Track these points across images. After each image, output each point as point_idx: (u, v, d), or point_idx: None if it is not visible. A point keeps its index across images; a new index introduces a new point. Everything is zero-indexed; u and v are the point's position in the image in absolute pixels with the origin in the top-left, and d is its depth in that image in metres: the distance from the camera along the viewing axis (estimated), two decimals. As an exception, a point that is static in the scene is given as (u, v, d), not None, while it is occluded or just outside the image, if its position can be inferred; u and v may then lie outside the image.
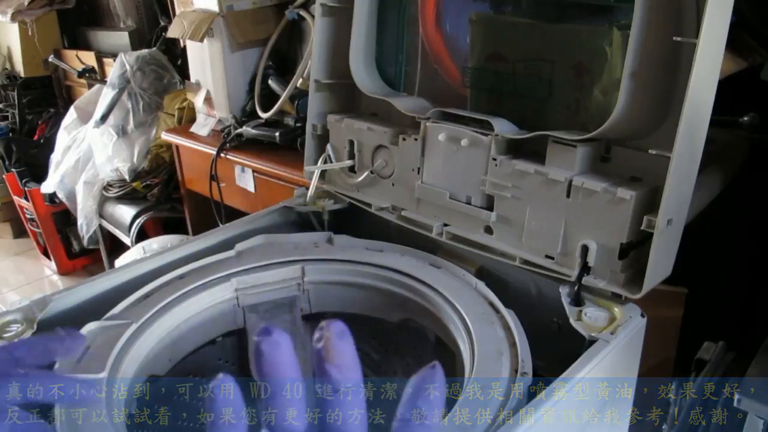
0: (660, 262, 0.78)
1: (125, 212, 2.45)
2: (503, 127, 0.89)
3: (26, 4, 2.89)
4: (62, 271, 3.03)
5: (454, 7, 1.01)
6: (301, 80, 1.74)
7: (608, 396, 0.79)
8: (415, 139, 0.98)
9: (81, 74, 2.83)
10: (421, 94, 1.07)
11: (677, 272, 0.82)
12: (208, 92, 2.01)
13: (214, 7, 1.86)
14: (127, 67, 2.34)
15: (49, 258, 3.04)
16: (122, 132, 2.37)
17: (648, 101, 0.76)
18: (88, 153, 2.51)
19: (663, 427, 1.30)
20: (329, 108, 1.14)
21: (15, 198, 3.01)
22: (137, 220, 2.40)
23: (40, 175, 2.77)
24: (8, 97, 3.19)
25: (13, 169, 2.88)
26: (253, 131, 1.81)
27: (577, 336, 0.77)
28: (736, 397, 0.86)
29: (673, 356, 1.31)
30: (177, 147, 2.13)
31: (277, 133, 1.74)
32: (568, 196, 0.82)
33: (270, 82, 1.90)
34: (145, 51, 2.43)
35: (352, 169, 1.12)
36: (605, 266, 0.81)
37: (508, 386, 0.69)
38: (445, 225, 0.99)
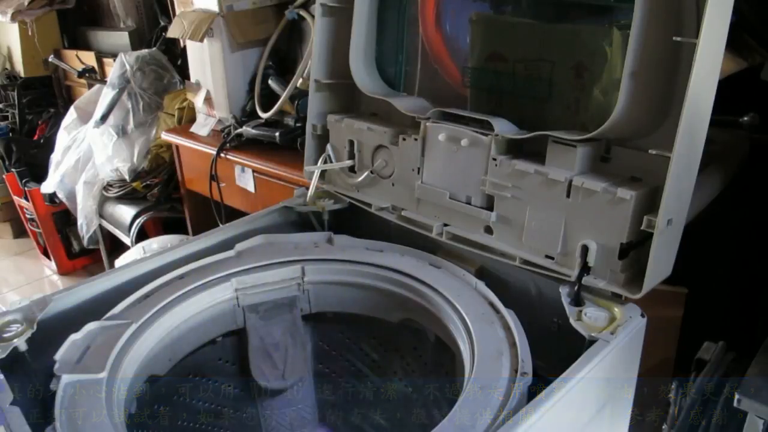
0: (660, 262, 0.78)
1: (125, 212, 2.45)
2: (503, 127, 0.89)
3: (26, 4, 2.89)
4: (62, 271, 3.02)
5: (454, 7, 1.01)
6: (301, 80, 1.74)
7: (608, 396, 0.79)
8: (415, 139, 0.98)
9: (81, 74, 2.83)
10: (421, 94, 1.07)
11: (677, 272, 0.82)
12: (208, 92, 2.01)
13: (214, 7, 1.86)
14: (127, 67, 2.33)
15: (49, 258, 3.03)
16: (122, 132, 2.36)
17: (648, 101, 0.76)
18: (88, 153, 2.51)
19: (663, 427, 1.30)
20: (329, 108, 1.14)
21: (15, 198, 3.00)
22: (137, 220, 2.39)
23: (40, 175, 2.76)
24: (8, 97, 3.18)
25: (13, 169, 2.88)
26: (253, 131, 1.81)
27: (577, 336, 0.77)
28: (736, 397, 0.86)
29: (673, 356, 1.31)
30: (177, 147, 2.13)
31: (277, 133, 1.74)
32: (568, 196, 0.82)
33: (270, 82, 1.90)
34: (145, 51, 2.43)
35: (352, 169, 1.12)
36: (605, 266, 0.81)
37: (508, 386, 0.69)
38: (445, 225, 0.99)
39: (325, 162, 1.14)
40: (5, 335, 0.77)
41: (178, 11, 2.25)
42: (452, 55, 1.02)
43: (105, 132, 2.37)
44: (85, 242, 2.69)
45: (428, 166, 0.99)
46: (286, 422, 1.04)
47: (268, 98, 1.89)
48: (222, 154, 1.87)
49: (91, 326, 0.79)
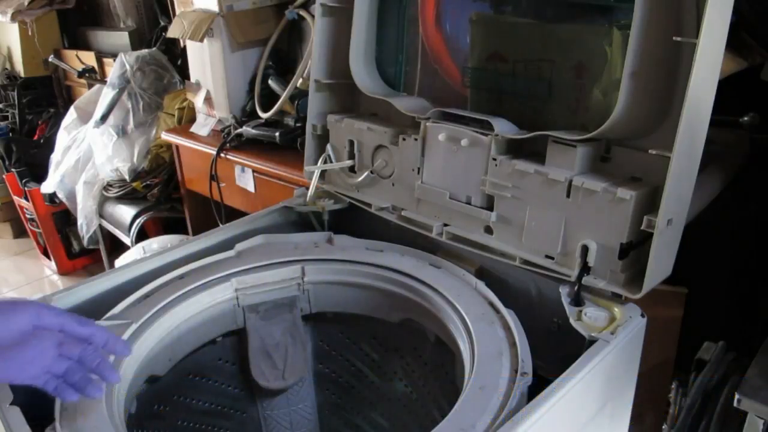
0: (660, 262, 0.78)
1: (125, 212, 2.45)
2: (503, 127, 0.89)
3: (26, 4, 2.89)
4: (62, 271, 3.02)
5: (454, 7, 1.01)
6: (301, 80, 1.74)
7: (608, 396, 0.79)
8: (415, 139, 0.98)
9: (81, 74, 2.83)
10: (421, 94, 1.07)
11: (677, 272, 0.82)
12: (208, 92, 2.01)
13: (214, 7, 1.86)
14: (127, 67, 2.33)
15: (49, 258, 3.03)
16: (122, 132, 2.36)
17: (648, 101, 0.76)
18: (88, 153, 2.51)
19: (663, 427, 1.30)
20: (329, 108, 1.14)
21: (15, 198, 3.00)
22: (137, 220, 2.40)
23: (40, 175, 2.76)
24: (8, 97, 3.18)
25: (13, 169, 2.88)
26: (253, 131, 1.81)
27: (577, 336, 0.77)
28: (736, 397, 0.86)
29: (673, 356, 1.31)
30: (177, 147, 2.13)
31: (277, 133, 1.74)
32: (568, 196, 0.82)
33: (270, 82, 1.90)
34: (145, 51, 2.43)
35: (352, 169, 1.12)
36: (605, 266, 0.81)
37: (508, 386, 0.69)
38: (445, 225, 0.99)
39: (325, 162, 1.14)
40: (5, 335, 0.77)
41: (178, 11, 2.25)
42: (452, 55, 1.02)
43: (105, 132, 2.37)
44: (85, 242, 2.69)
45: (428, 166, 0.99)
46: (286, 422, 1.04)
47: (268, 98, 1.89)
48: (222, 154, 1.87)
49: (91, 326, 0.79)
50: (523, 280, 0.92)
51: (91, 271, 3.04)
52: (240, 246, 1.00)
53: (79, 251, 3.02)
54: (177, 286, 0.90)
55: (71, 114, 2.71)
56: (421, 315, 0.91)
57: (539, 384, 0.68)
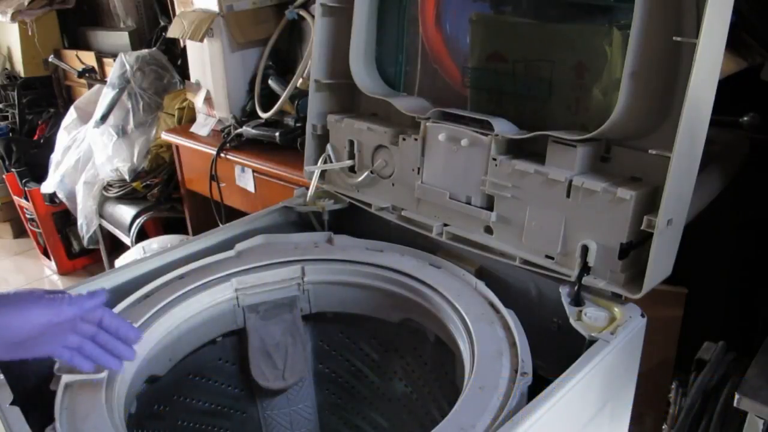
0: (660, 262, 0.78)
1: (125, 212, 2.45)
2: (503, 127, 0.89)
3: (26, 4, 2.89)
4: (62, 271, 3.02)
5: (454, 7, 1.01)
6: (301, 80, 1.74)
7: (608, 396, 0.79)
8: (415, 139, 0.98)
9: (81, 74, 2.83)
10: (421, 94, 1.07)
11: (677, 272, 0.82)
12: (208, 92, 2.01)
13: (214, 7, 1.86)
14: (127, 67, 2.33)
15: (49, 258, 3.03)
16: (122, 132, 2.36)
17: (648, 101, 0.76)
18: (88, 153, 2.51)
19: (663, 427, 1.30)
20: (329, 108, 1.14)
21: (15, 198, 3.00)
22: (137, 220, 2.39)
23: (40, 175, 2.76)
24: (8, 97, 3.18)
25: (13, 169, 2.88)
26: (253, 131, 1.81)
27: (577, 336, 0.77)
28: (736, 397, 0.86)
29: (673, 356, 1.31)
30: (177, 147, 2.13)
31: (277, 133, 1.74)
32: (568, 196, 0.82)
33: (270, 82, 1.90)
34: (145, 51, 2.43)
35: (352, 169, 1.12)
36: (605, 266, 0.81)
37: (508, 386, 0.69)
38: (445, 225, 0.99)
39: (325, 162, 1.14)
40: (5, 335, 0.77)
41: (178, 11, 2.25)
42: (452, 55, 1.02)
43: (105, 132, 2.37)
44: (85, 242, 2.69)
45: (428, 166, 0.99)
46: (286, 422, 1.04)
47: (268, 98, 1.89)
48: (222, 154, 1.87)
49: (91, 326, 0.79)
50: (523, 280, 0.92)
51: (91, 271, 3.04)
52: (240, 246, 1.00)
53: (79, 251, 3.02)
54: (177, 286, 0.90)
55: (71, 114, 2.71)
56: (421, 315, 0.91)
57: (539, 384, 0.68)
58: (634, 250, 0.79)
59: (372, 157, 1.07)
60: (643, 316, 0.79)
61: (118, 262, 2.12)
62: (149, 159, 2.33)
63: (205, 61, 1.97)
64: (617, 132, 0.79)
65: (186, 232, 2.34)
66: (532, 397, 0.65)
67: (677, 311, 1.27)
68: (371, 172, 1.08)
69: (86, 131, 2.53)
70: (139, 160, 2.33)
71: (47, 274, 3.11)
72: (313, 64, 1.11)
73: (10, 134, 3.10)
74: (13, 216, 3.30)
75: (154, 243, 2.20)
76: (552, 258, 0.87)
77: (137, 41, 2.71)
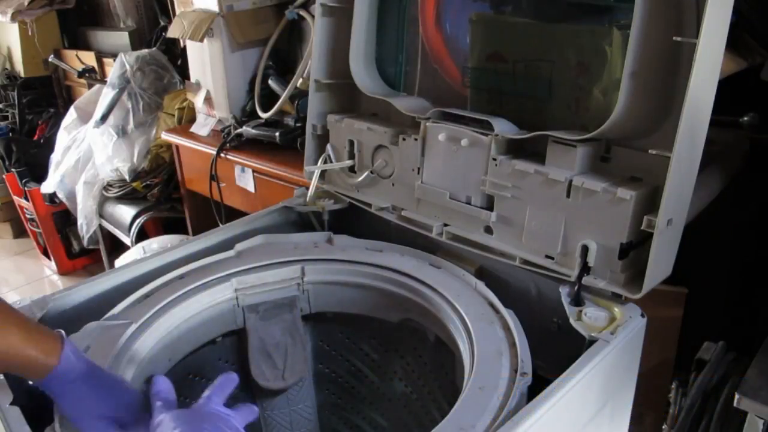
0: (660, 262, 0.78)
1: (125, 212, 2.45)
2: (503, 127, 0.89)
3: (26, 4, 2.89)
4: (62, 271, 3.02)
5: (454, 7, 1.01)
6: (301, 80, 1.74)
7: (608, 396, 0.79)
8: (415, 139, 0.98)
9: (81, 74, 2.83)
10: (421, 94, 1.07)
11: (677, 272, 0.82)
12: (208, 92, 2.01)
13: (214, 7, 1.86)
14: (127, 67, 2.33)
15: (49, 258, 3.03)
16: (122, 132, 2.36)
17: (648, 101, 0.76)
18: (88, 153, 2.51)
19: (663, 427, 1.30)
20: (329, 108, 1.14)
21: (15, 198, 3.00)
22: (137, 220, 2.40)
23: (40, 175, 2.76)
24: (8, 97, 3.18)
25: (13, 169, 2.88)
26: (253, 131, 1.81)
27: (577, 336, 0.77)
28: (736, 397, 0.86)
29: (673, 356, 1.31)
30: (177, 147, 2.13)
31: (277, 133, 1.74)
32: (568, 196, 0.82)
33: (270, 82, 1.90)
34: (145, 51, 2.43)
35: (352, 169, 1.12)
36: (605, 266, 0.81)
37: (507, 387, 0.69)
38: (445, 225, 0.99)
39: (325, 162, 1.14)
40: (5, 335, 0.77)
41: (178, 11, 2.25)
42: (452, 55, 1.02)
43: (105, 132, 2.37)
44: (85, 242, 2.70)
45: (428, 166, 0.99)
46: (286, 422, 1.04)
47: (268, 98, 1.89)
48: (222, 154, 1.87)
49: (90, 326, 0.79)
50: (523, 280, 0.92)
51: (91, 271, 3.04)
52: (240, 246, 1.00)
53: (79, 251, 3.02)
54: (177, 286, 0.90)
55: (71, 114, 2.71)
56: (421, 315, 0.91)
57: (539, 384, 0.68)
58: (634, 250, 0.79)
59: (372, 157, 1.07)
60: (643, 316, 0.79)
61: (118, 262, 2.12)
62: (149, 159, 2.33)
63: (205, 61, 1.97)
64: (617, 132, 0.79)
65: (186, 232, 2.35)
66: (532, 397, 0.65)
67: (677, 311, 1.27)
68: (371, 172, 1.08)
69: (86, 131, 2.53)
70: (139, 160, 2.33)
71: (47, 274, 3.11)
72: (313, 64, 1.11)
73: (10, 134, 3.10)
74: (13, 216, 3.30)
75: (154, 243, 2.20)
76: (552, 258, 0.87)
77: (137, 41, 2.71)
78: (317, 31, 1.08)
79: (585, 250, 0.82)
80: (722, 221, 1.19)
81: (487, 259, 0.94)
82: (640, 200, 0.77)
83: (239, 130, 1.85)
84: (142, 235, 2.40)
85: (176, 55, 2.48)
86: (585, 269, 0.82)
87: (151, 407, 0.67)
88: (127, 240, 2.42)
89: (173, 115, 2.26)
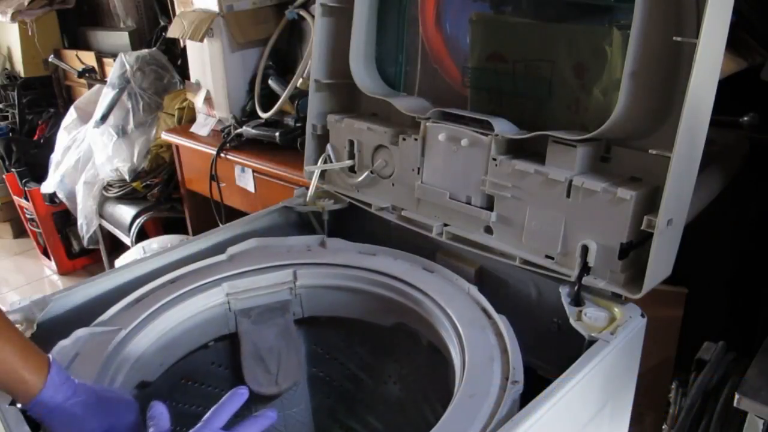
0: (660, 262, 0.78)
1: (125, 212, 2.45)
2: (503, 127, 0.88)
3: (26, 4, 2.89)
4: (62, 271, 3.02)
5: (454, 7, 1.00)
6: (301, 80, 1.74)
7: (608, 396, 0.79)
8: (415, 139, 0.98)
9: (81, 74, 2.83)
10: (421, 94, 1.06)
11: (677, 272, 0.82)
12: (208, 92, 2.01)
13: (214, 7, 1.86)
14: (127, 67, 2.33)
15: (49, 258, 3.03)
16: (122, 132, 2.36)
17: (648, 101, 0.76)
18: (88, 153, 2.51)
19: (663, 427, 1.30)
20: (329, 108, 1.14)
21: (15, 198, 3.00)
22: (137, 220, 2.40)
23: (40, 175, 2.76)
24: (8, 97, 3.18)
25: (13, 169, 2.88)
26: (253, 131, 1.81)
27: (577, 336, 0.76)
28: (736, 397, 0.86)
29: (673, 356, 1.31)
30: (177, 147, 2.13)
31: (277, 133, 1.74)
32: (568, 196, 0.82)
33: (270, 82, 1.90)
34: (145, 51, 2.43)
35: (352, 169, 1.12)
36: (605, 266, 0.81)
37: (498, 394, 0.68)
38: (445, 225, 0.98)
39: (325, 162, 1.14)
40: (5, 335, 0.77)
41: (178, 11, 2.25)
42: (452, 55, 1.02)
43: (105, 132, 2.37)
44: (85, 242, 2.70)
45: (428, 166, 0.98)
46: (281, 426, 1.03)
47: (268, 98, 1.89)
48: (222, 154, 1.87)
49: (79, 333, 0.78)
50: (523, 280, 0.92)
51: (91, 271, 3.04)
52: (232, 250, 0.98)
53: (79, 251, 3.02)
54: (168, 290, 0.88)
55: (71, 114, 2.71)
56: (414, 319, 0.90)
57: (539, 384, 0.67)
58: (634, 250, 0.79)
59: (372, 157, 1.07)
60: (643, 316, 0.79)
61: (118, 262, 2.11)
62: (149, 159, 2.33)
63: (205, 61, 1.97)
64: (617, 132, 0.79)
65: (186, 232, 2.34)
66: (532, 396, 0.65)
67: (677, 311, 1.27)
68: (371, 172, 1.08)
69: (86, 131, 2.53)
70: (139, 160, 2.33)
71: (47, 274, 3.11)
72: (313, 64, 1.10)
73: (10, 134, 3.10)
74: (13, 216, 3.30)
75: (154, 243, 2.20)
76: (552, 258, 0.87)
77: (137, 41, 2.71)
78: (317, 31, 1.08)
79: (585, 250, 0.82)
80: (722, 221, 1.19)
81: (487, 259, 0.94)
82: (640, 200, 0.77)
83: (239, 130, 1.85)
84: (142, 235, 2.40)
85: (176, 55, 2.48)
86: (585, 269, 0.81)
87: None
88: (127, 240, 2.42)
89: (173, 115, 2.26)
